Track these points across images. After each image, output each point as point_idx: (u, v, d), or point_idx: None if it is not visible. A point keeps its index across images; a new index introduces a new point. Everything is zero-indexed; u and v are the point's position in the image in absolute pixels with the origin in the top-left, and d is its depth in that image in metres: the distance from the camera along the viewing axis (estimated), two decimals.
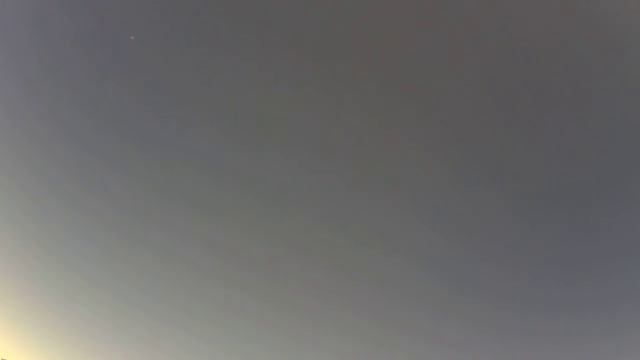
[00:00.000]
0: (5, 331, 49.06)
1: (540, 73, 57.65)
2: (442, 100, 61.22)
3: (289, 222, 62.52)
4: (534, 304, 54.54)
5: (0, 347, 46.45)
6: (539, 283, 55.78)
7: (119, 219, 59.36)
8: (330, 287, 58.17)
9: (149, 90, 60.85)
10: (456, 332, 55.06)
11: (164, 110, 61.29)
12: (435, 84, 61.91)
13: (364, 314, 56.68)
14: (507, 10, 56.30)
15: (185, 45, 60.26)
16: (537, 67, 57.12)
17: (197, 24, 61.13)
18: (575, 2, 54.12)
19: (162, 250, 59.66)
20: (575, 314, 52.40)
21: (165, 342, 55.94)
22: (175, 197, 61.23)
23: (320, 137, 61.26)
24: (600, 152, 57.10)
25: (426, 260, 60.17)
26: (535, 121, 58.67)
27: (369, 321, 56.33)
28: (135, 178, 60.73)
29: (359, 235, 60.31)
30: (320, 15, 60.15)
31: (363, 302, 57.50)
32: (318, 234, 60.38)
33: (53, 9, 58.37)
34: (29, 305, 53.26)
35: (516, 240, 58.17)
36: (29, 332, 51.73)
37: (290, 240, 61.19)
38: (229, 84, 61.25)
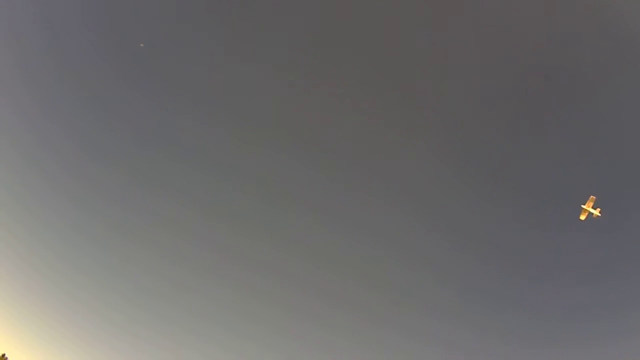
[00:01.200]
0: (7, 328, 48.45)
1: (544, 81, 56.35)
2: (449, 110, 60.06)
3: (294, 224, 61.32)
4: (537, 309, 53.67)
5: (0, 344, 45.91)
6: (542, 289, 54.87)
7: (123, 218, 58.39)
8: (335, 291, 57.03)
9: (157, 93, 59.80)
10: (461, 337, 54.14)
11: (171, 112, 60.19)
12: (442, 92, 60.52)
13: (371, 318, 55.76)
14: (514, 13, 55.08)
15: (193, 50, 59.40)
16: (541, 74, 55.91)
17: (203, 30, 60.23)
18: (581, 5, 53.06)
19: (166, 250, 58.42)
20: (578, 319, 51.42)
21: (168, 340, 54.83)
22: (179, 197, 60.02)
23: (335, 143, 60.11)
24: (605, 162, 55.86)
25: (433, 267, 58.86)
26: (542, 131, 57.48)
27: (375, 325, 55.45)
28: (142, 178, 59.53)
29: (368, 240, 59.08)
30: (326, 20, 59.09)
31: (370, 307, 56.42)
32: (326, 238, 59.31)
33: (66, 17, 57.53)
34: (32, 303, 52.38)
35: (520, 248, 57.09)
36: (29, 329, 50.90)
37: (296, 243, 60.00)
38: (235, 87, 60.18)
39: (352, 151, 58.74)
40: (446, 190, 58.24)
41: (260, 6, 57.88)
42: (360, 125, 59.14)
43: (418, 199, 58.44)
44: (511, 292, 55.40)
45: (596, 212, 49.25)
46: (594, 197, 48.58)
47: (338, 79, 59.31)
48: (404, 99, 59.22)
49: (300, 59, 59.21)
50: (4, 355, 48.28)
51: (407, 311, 55.05)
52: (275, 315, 55.66)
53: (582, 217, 49.65)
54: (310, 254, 57.29)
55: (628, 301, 52.09)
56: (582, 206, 49.48)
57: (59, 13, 57.43)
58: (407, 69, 58.37)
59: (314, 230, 58.21)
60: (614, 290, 52.57)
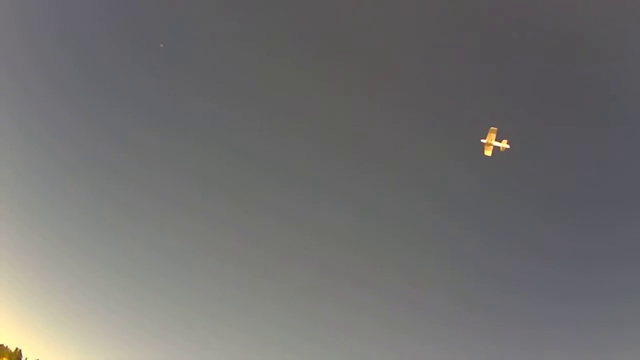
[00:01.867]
0: (19, 319, 48.36)
1: (555, 76, 57.04)
2: (458, 105, 60.60)
3: (306, 205, 61.55)
4: (552, 294, 54.25)
5: (30, 346, 45.85)
6: (557, 276, 55.56)
7: (138, 203, 58.85)
8: (359, 276, 57.56)
9: (170, 75, 60.06)
10: (477, 322, 54.88)
11: (192, 98, 60.67)
12: (448, 88, 61.14)
13: (382, 297, 56.17)
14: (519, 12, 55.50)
15: (211, 35, 59.61)
16: (550, 69, 56.53)
17: (218, 14, 60.40)
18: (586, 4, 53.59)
19: (179, 234, 58.74)
20: (590, 304, 52.06)
21: (175, 328, 55.29)
22: (193, 181, 60.18)
23: (347, 130, 60.95)
24: (615, 157, 56.40)
25: (452, 253, 59.67)
26: (553, 131, 57.87)
27: (385, 303, 55.87)
28: (155, 161, 59.94)
29: (392, 229, 60.00)
30: (343, 22, 59.70)
31: (392, 293, 57.05)
32: (345, 227, 59.82)
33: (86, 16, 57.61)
34: (40, 292, 52.40)
35: (536, 237, 57.81)
36: (54, 326, 50.88)
37: (306, 224, 60.22)
38: (249, 73, 60.63)
39: (366, 138, 59.44)
40: (459, 176, 58.99)
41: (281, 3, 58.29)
42: (372, 113, 59.82)
43: (430, 186, 59.17)
44: (529, 278, 55.94)
45: (503, 145, 42.57)
46: (495, 128, 41.84)
47: (347, 74, 60.16)
48: (416, 90, 59.91)
49: (314, 53, 60.04)
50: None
51: (417, 291, 55.73)
52: (284, 297, 56.14)
53: (488, 153, 42.80)
54: (324, 236, 57.83)
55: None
56: (483, 140, 42.45)
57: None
58: (413, 65, 59.27)
59: (327, 211, 58.86)
60: (629, 278, 52.08)
